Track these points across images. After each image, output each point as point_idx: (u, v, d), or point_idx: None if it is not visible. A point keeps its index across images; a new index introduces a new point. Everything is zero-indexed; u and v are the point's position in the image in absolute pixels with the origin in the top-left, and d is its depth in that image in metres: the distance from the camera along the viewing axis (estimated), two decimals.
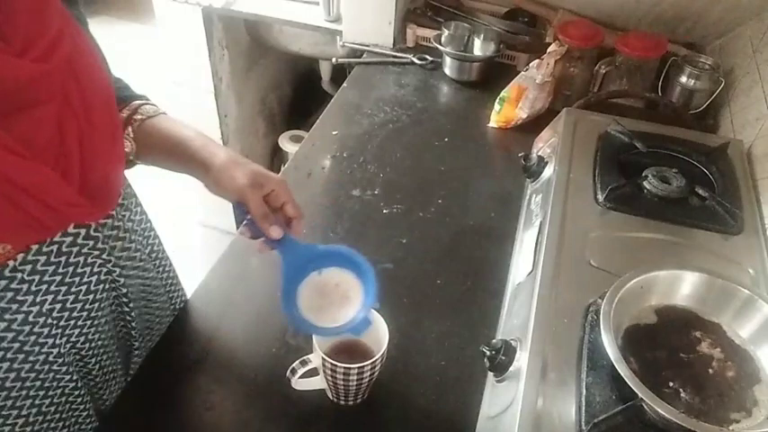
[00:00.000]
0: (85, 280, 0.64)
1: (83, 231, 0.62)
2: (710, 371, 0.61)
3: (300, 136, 1.97)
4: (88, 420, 0.72)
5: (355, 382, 0.66)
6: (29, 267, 0.57)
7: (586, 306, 0.68)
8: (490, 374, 0.71)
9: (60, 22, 0.52)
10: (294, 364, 0.66)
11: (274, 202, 0.65)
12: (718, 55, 1.30)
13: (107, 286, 0.68)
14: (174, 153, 0.68)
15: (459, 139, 1.17)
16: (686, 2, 1.27)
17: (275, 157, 2.12)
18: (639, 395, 0.54)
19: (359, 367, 0.64)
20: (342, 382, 0.66)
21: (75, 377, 0.68)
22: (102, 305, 0.68)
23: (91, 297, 0.65)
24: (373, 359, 0.64)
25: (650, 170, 0.87)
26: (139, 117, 0.70)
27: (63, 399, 0.68)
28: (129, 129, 0.69)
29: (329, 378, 0.66)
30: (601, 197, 0.84)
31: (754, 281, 0.74)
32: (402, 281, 0.88)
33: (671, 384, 0.60)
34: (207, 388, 0.73)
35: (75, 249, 0.62)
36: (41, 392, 0.65)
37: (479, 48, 1.35)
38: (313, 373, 0.67)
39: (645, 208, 0.83)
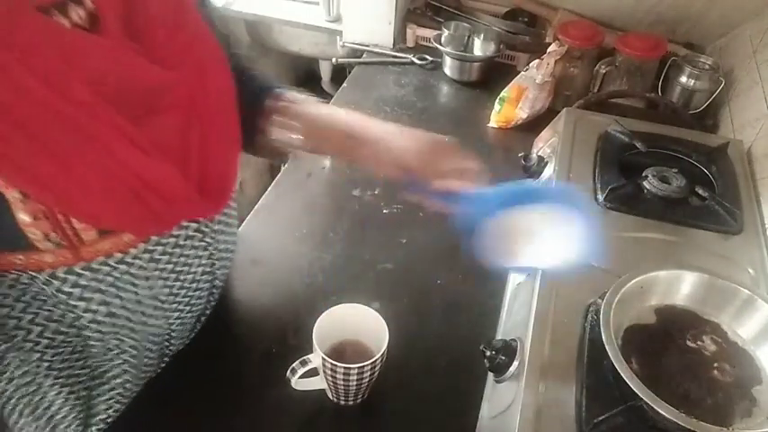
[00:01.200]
0: (192, 270, 0.67)
1: (194, 225, 0.65)
2: (710, 371, 0.61)
3: None
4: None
5: (355, 382, 0.66)
6: (147, 256, 0.60)
7: (586, 306, 0.68)
8: (490, 374, 0.71)
9: (194, 28, 0.55)
10: (294, 364, 0.66)
11: (444, 163, 0.67)
12: (718, 55, 1.30)
13: (209, 277, 0.71)
14: (324, 137, 0.68)
15: (460, 139, 1.16)
16: (686, 3, 1.27)
17: None
18: (639, 395, 0.54)
19: (359, 367, 0.64)
20: (342, 382, 0.66)
21: (155, 355, 0.71)
22: (201, 294, 0.71)
23: (194, 285, 0.68)
24: (373, 359, 0.64)
25: (650, 170, 0.87)
26: (287, 104, 0.70)
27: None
28: (281, 118, 0.69)
29: (329, 378, 0.66)
30: (601, 197, 0.84)
31: (754, 281, 0.74)
32: (402, 281, 0.88)
33: (671, 384, 0.59)
34: (207, 387, 0.73)
35: (188, 243, 0.65)
36: (133, 370, 0.68)
37: (479, 48, 1.35)
38: (313, 373, 0.67)
39: (645, 208, 0.83)
